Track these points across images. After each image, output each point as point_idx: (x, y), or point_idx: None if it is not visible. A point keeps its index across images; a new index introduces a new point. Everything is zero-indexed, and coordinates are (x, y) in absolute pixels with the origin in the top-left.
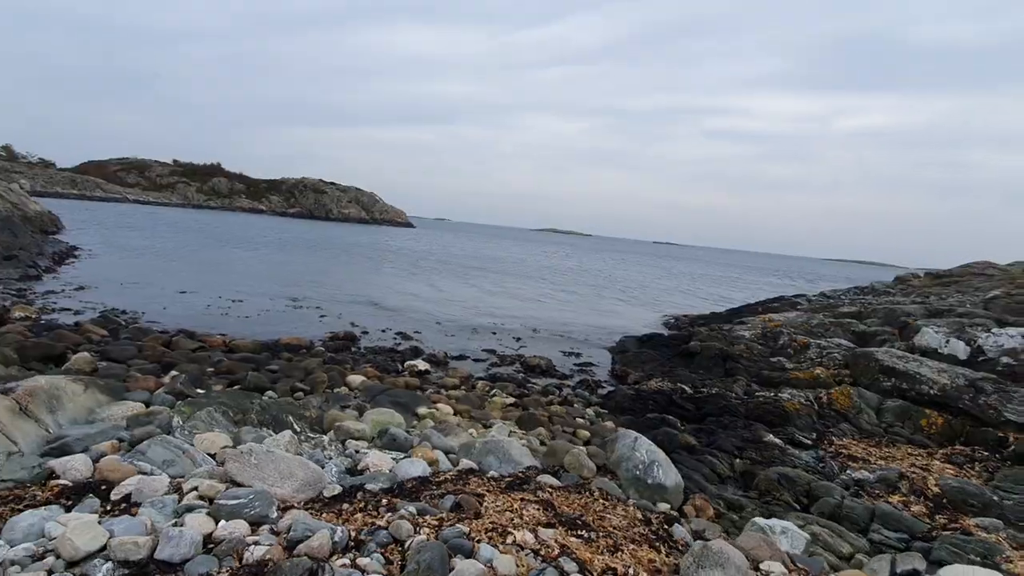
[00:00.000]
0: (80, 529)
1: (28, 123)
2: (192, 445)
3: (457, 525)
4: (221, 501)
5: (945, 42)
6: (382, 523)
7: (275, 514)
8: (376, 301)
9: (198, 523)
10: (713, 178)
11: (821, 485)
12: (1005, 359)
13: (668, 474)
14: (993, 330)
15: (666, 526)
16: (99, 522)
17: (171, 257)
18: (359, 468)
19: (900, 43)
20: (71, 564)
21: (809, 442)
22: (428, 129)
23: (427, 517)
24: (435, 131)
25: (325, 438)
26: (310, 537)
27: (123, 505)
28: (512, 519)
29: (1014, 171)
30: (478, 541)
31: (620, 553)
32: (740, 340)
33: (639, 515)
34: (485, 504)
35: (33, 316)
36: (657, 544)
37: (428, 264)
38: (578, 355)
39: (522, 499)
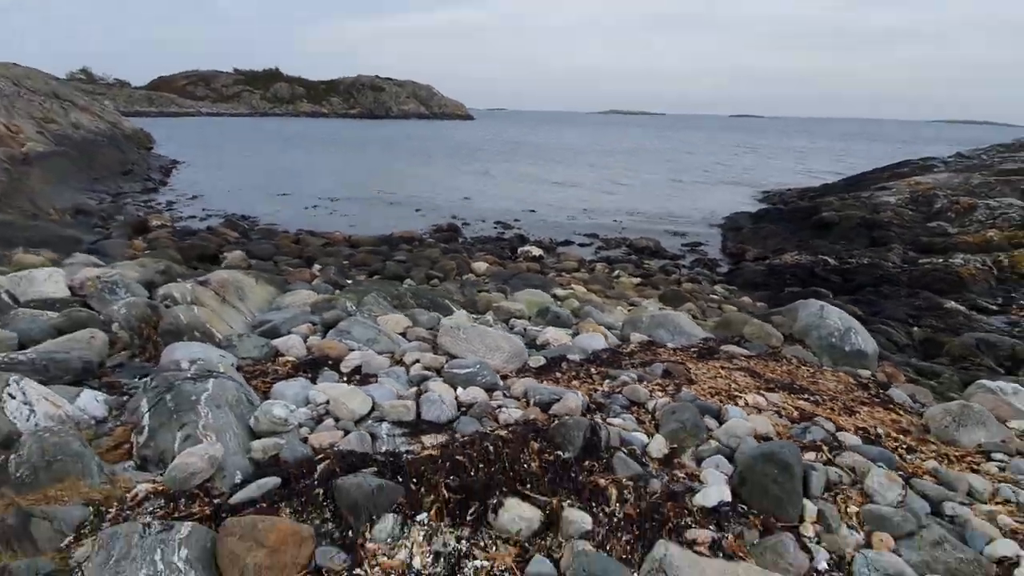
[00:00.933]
0: (349, 395)
1: (99, 44)
2: (378, 326)
3: (685, 390)
4: (454, 371)
5: None
6: (604, 388)
7: (501, 382)
8: (464, 194)
9: (443, 389)
10: (798, 35)
11: None
12: None
13: (867, 340)
14: None
15: (882, 390)
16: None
17: (259, 163)
18: (538, 343)
19: None
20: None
21: (995, 308)
22: (474, 9)
23: (649, 383)
24: (482, 11)
25: (488, 318)
26: (558, 400)
27: (357, 377)
28: (729, 385)
29: None
30: (722, 403)
31: (857, 415)
32: (885, 207)
33: (851, 380)
34: (692, 372)
35: (169, 224)
36: (889, 407)
37: (503, 155)
38: (683, 235)
39: (722, 367)
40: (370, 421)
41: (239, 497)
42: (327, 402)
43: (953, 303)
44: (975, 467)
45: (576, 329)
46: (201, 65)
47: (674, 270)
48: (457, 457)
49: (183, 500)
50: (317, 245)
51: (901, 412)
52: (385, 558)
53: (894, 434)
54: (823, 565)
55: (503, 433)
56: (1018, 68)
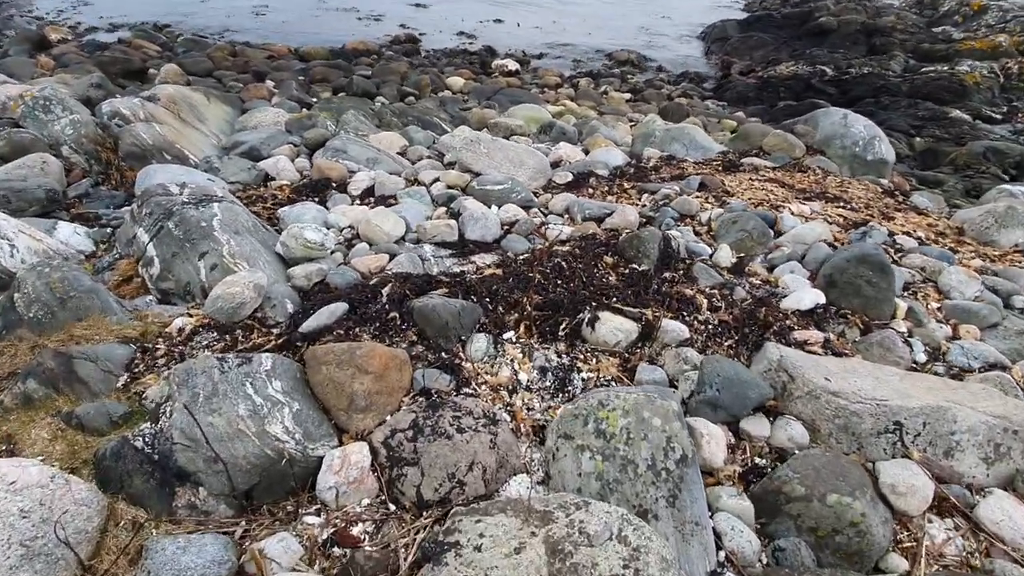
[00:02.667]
0: (381, 216)
1: None
2: (373, 145)
3: (730, 201)
4: (486, 187)
5: None
6: (646, 202)
7: (535, 199)
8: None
9: (480, 207)
10: None
11: None
12: None
13: (888, 149)
14: None
15: (905, 197)
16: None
17: None
18: (552, 160)
19: None
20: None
21: (999, 116)
22: None
23: (692, 194)
24: None
25: (485, 135)
26: (610, 214)
27: (371, 199)
28: (767, 195)
29: None
30: (775, 209)
31: (894, 220)
32: (888, 10)
33: (877, 188)
34: (726, 184)
35: (70, 37)
36: (921, 212)
37: None
38: (664, 47)
39: (751, 179)
40: (407, 244)
41: (310, 325)
42: (351, 226)
43: (957, 112)
44: (1017, 264)
45: (585, 146)
46: None
47: (661, 84)
48: (529, 274)
49: (239, 332)
50: (260, 59)
51: (932, 216)
52: (490, 376)
53: (933, 236)
54: (922, 356)
55: (567, 248)
56: None
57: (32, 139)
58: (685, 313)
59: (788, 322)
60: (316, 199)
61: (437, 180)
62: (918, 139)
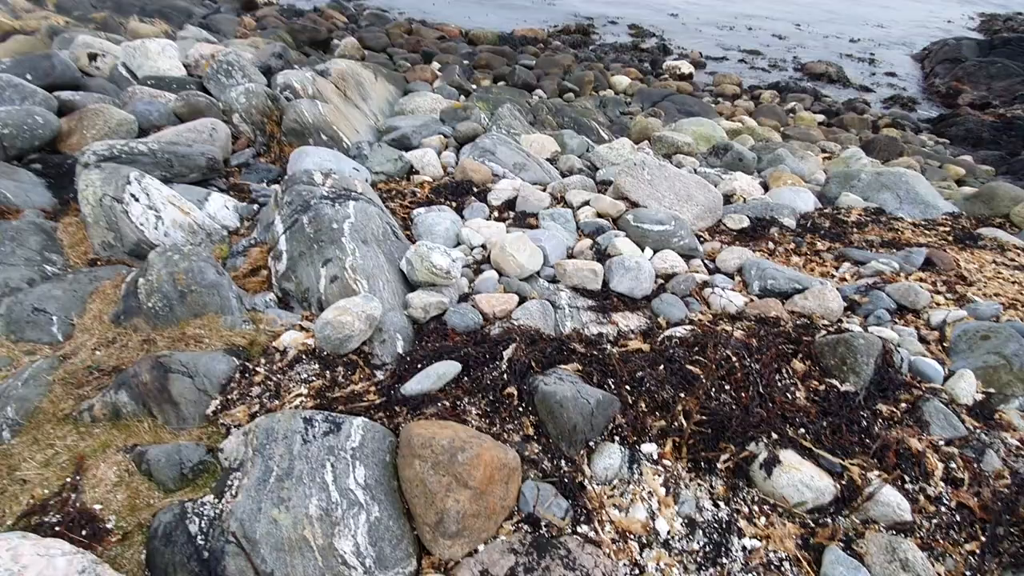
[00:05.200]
0: (517, 245)
1: None
2: (523, 148)
3: (973, 296)
4: (642, 225)
5: None
6: (847, 276)
7: (700, 247)
8: None
9: (631, 250)
10: None
11: None
12: None
13: None
14: None
15: None
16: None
17: None
18: (723, 193)
19: None
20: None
21: None
22: None
23: (914, 275)
24: None
25: (645, 149)
26: (801, 291)
27: (511, 213)
28: (1007, 291)
29: None
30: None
31: None
32: None
33: None
34: (962, 266)
35: (274, 1)
36: None
37: None
38: (870, 60)
39: (995, 263)
40: (542, 280)
41: (414, 388)
42: (483, 246)
43: None
44: None
45: (765, 180)
46: None
47: (864, 108)
48: (688, 365)
49: (341, 369)
50: (432, 38)
51: None
52: (618, 512)
53: None
54: None
55: (740, 334)
56: None
57: (207, 103)
58: (907, 477)
59: None
60: (454, 204)
61: (586, 204)
62: None
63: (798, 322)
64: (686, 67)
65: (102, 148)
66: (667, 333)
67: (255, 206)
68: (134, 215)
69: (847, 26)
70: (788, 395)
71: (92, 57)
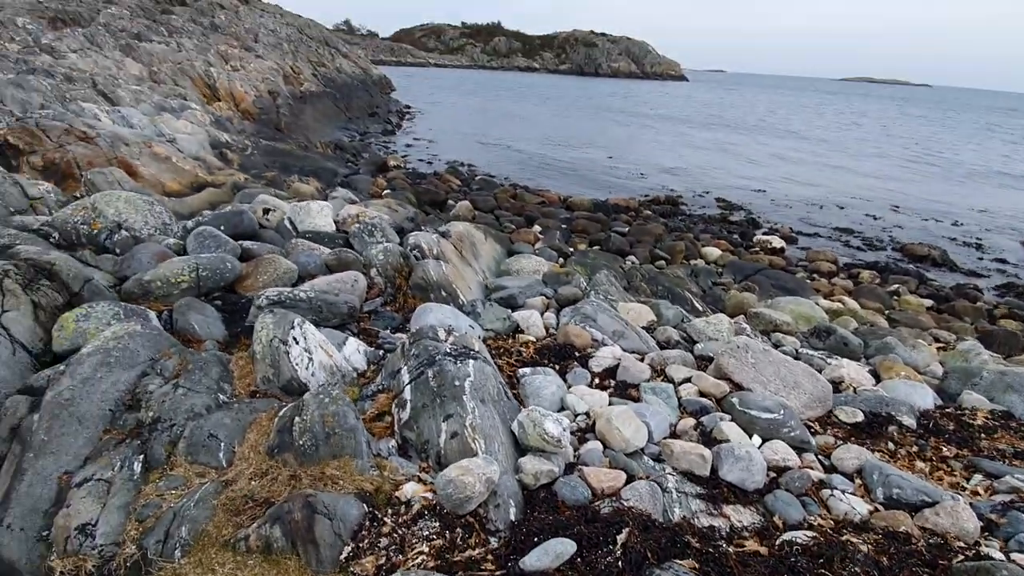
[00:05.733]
0: (623, 419)
1: None
2: (621, 316)
3: None
4: (750, 412)
5: None
6: (981, 492)
7: (811, 439)
8: (679, 164)
9: (739, 436)
10: None
11: None
12: None
13: None
14: None
15: None
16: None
17: (478, 112)
18: (830, 379)
19: None
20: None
21: None
22: None
23: None
24: None
25: (745, 327)
26: (930, 505)
27: (612, 382)
28: None
29: None
30: None
31: None
32: None
33: None
34: None
35: (402, 165)
36: None
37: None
38: (978, 245)
39: None
40: (645, 457)
41: (533, 564)
42: (587, 414)
43: None
44: None
45: (874, 368)
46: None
47: (977, 295)
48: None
49: (459, 531)
50: (534, 203)
51: None
52: None
53: None
54: None
55: (867, 548)
56: None
57: (354, 257)
58: None
59: None
60: (557, 366)
61: (687, 381)
62: None
63: (931, 540)
64: (777, 241)
65: (273, 294)
66: (786, 537)
67: (380, 351)
68: (293, 356)
69: (950, 209)
70: None
71: (266, 211)
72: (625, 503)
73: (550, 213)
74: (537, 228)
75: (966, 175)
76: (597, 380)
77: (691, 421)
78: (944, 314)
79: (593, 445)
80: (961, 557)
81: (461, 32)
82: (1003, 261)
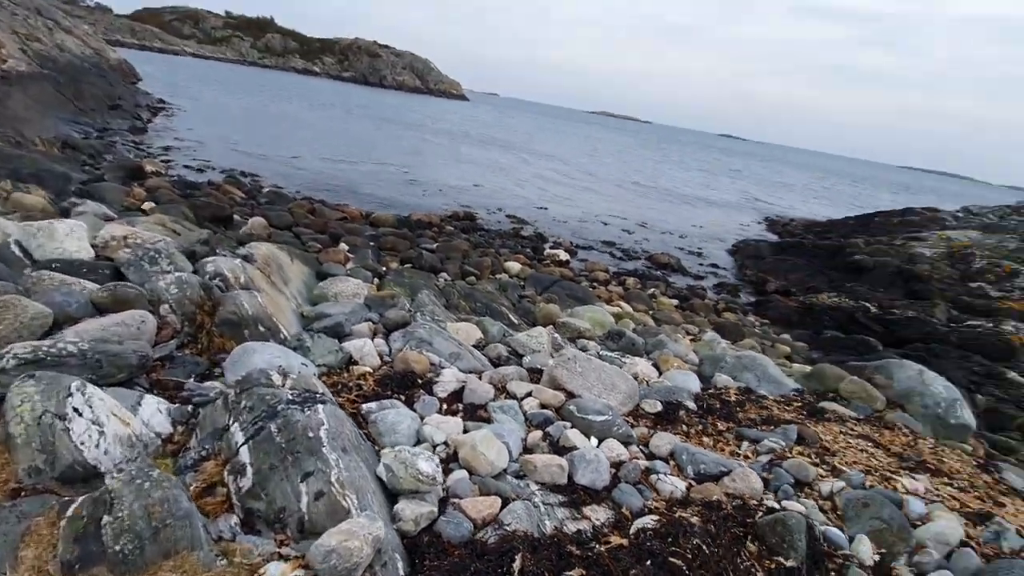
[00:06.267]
0: (486, 443)
1: None
2: (454, 336)
3: (859, 474)
4: (587, 417)
5: None
6: (748, 454)
7: (633, 432)
8: (471, 181)
9: (581, 440)
10: (797, 67)
11: None
12: None
13: (969, 414)
14: None
15: (998, 472)
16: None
17: (254, 114)
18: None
19: None
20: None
21: None
22: None
23: (793, 448)
24: None
25: (554, 336)
26: (727, 474)
27: (460, 405)
28: (868, 458)
29: None
30: (919, 498)
31: (1004, 508)
32: (921, 259)
33: (971, 461)
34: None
35: (163, 171)
36: (1017, 498)
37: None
38: (699, 254)
39: (841, 432)
40: (509, 477)
41: None
42: (445, 443)
43: (1014, 374)
44: None
45: (655, 362)
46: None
47: (703, 293)
48: (669, 559)
49: None
50: (335, 219)
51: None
52: None
53: None
54: None
55: (697, 520)
56: (997, 126)
57: (136, 294)
58: None
59: None
60: (402, 397)
61: (529, 395)
62: (979, 396)
63: (735, 503)
64: (563, 254)
65: (24, 351)
66: (638, 525)
67: (189, 407)
68: (76, 432)
69: (677, 225)
70: None
71: None
72: (507, 528)
73: (355, 230)
74: (345, 247)
75: (681, 198)
76: (446, 406)
77: (539, 434)
78: (687, 311)
79: (460, 475)
80: (759, 513)
81: (226, 22)
82: (716, 266)
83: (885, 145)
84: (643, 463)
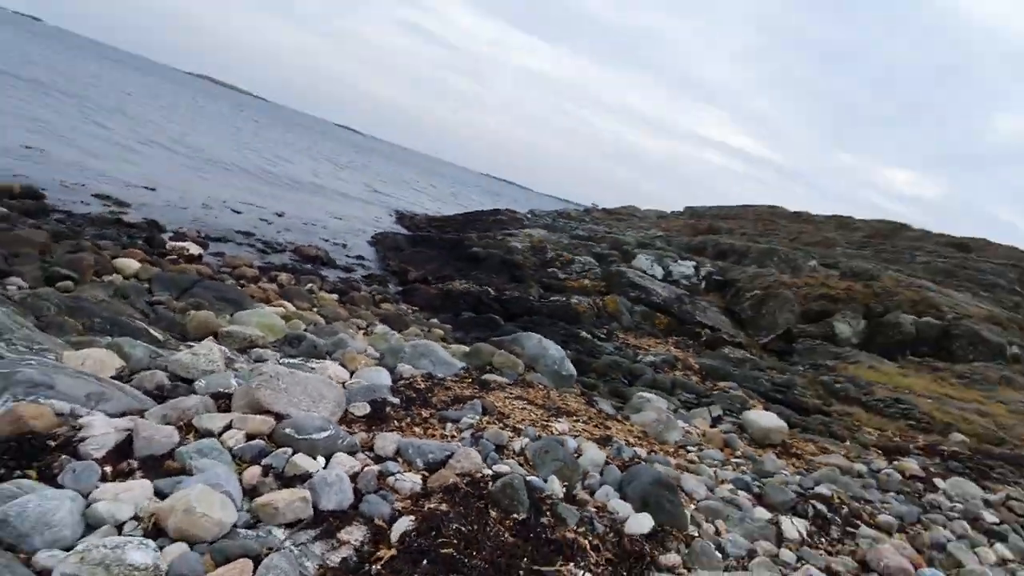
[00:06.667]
0: (206, 500)
1: None
2: (64, 365)
3: (532, 428)
4: (310, 436)
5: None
6: (452, 431)
7: (355, 440)
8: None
9: (308, 464)
10: (404, 75)
11: (636, 366)
12: (683, 281)
13: (571, 366)
14: (678, 261)
15: (594, 404)
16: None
17: None
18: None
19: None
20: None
21: (603, 336)
22: None
23: (482, 422)
24: None
25: (214, 348)
26: (451, 456)
27: (129, 463)
28: (530, 414)
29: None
30: (571, 436)
31: (611, 430)
32: (516, 251)
33: (581, 399)
34: (497, 406)
35: None
36: (617, 420)
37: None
38: (344, 246)
39: (505, 398)
40: (240, 531)
41: None
42: (136, 517)
43: (586, 332)
44: (679, 454)
45: (342, 361)
46: None
47: (358, 285)
48: (441, 552)
49: None
50: None
51: (623, 422)
52: None
53: (635, 441)
54: (718, 554)
55: (446, 507)
56: (540, 149)
57: None
58: (580, 559)
59: (647, 548)
60: (33, 474)
61: (229, 427)
62: (568, 351)
63: (466, 480)
64: (193, 248)
65: None
66: (398, 531)
67: None
68: None
69: (318, 215)
70: (501, 539)
71: None
72: None
73: None
74: None
75: (316, 189)
76: (110, 468)
77: (257, 469)
78: (350, 305)
79: (178, 549)
80: (488, 483)
81: None
82: (362, 258)
83: (470, 153)
84: (375, 468)
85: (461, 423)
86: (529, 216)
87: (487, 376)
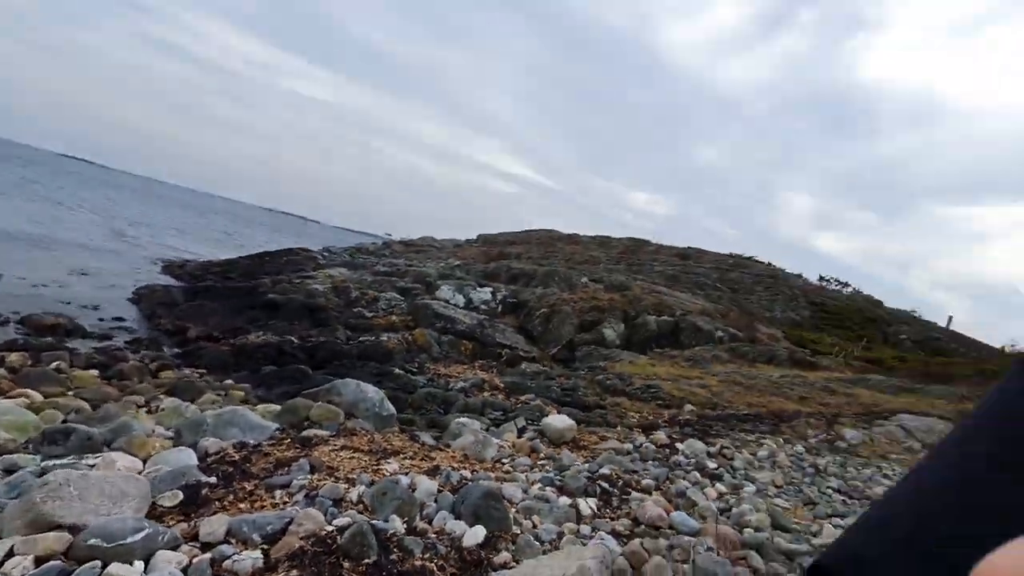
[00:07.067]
0: None
1: None
2: None
3: (365, 475)
4: (125, 542)
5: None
6: (283, 497)
7: (177, 535)
8: None
9: (126, 573)
10: (153, 94)
11: (449, 394)
12: (483, 306)
13: (390, 406)
14: (477, 288)
15: (421, 440)
16: None
17: None
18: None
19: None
20: None
21: (415, 370)
22: None
23: (313, 481)
24: None
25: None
26: (290, 522)
27: None
28: (358, 462)
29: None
30: (402, 475)
31: (436, 460)
32: (317, 294)
33: (406, 437)
34: (324, 460)
35: None
36: (437, 450)
37: None
38: (95, 308)
39: (330, 450)
40: None
41: None
42: None
43: (398, 369)
44: (496, 468)
45: (127, 449)
46: None
47: (124, 353)
48: None
49: None
50: None
51: (445, 450)
52: None
53: (458, 464)
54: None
55: (296, 574)
56: (329, 180)
57: None
58: None
59: (483, 554)
60: None
61: (11, 555)
62: (384, 390)
63: (312, 541)
64: None
65: None
66: None
67: None
68: None
69: (48, 274)
70: None
71: None
72: None
73: None
74: None
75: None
76: None
77: None
78: (119, 380)
79: None
80: (336, 538)
81: None
82: (122, 319)
83: (246, 185)
84: (206, 556)
85: (292, 486)
86: (325, 254)
87: (306, 432)
